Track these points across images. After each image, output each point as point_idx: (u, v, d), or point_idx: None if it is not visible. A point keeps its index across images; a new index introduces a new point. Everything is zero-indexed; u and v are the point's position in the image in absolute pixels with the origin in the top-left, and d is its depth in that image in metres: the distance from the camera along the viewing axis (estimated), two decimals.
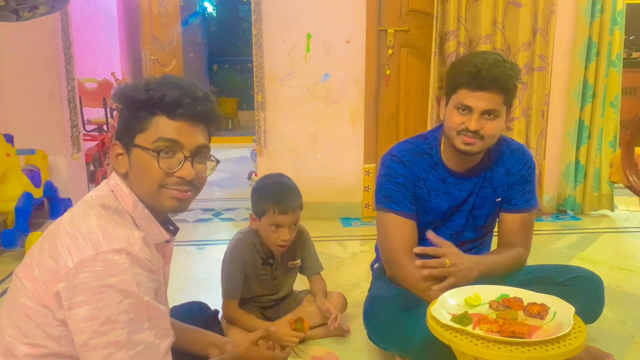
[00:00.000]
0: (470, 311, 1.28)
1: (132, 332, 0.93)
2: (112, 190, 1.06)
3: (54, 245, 0.96)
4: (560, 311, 1.26)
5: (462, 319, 1.23)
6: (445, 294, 1.36)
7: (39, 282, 0.96)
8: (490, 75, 1.48)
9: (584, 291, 1.60)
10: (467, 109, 1.52)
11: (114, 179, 1.08)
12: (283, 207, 1.75)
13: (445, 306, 1.31)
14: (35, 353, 0.97)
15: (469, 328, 1.20)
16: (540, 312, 1.26)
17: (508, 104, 1.54)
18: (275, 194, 1.78)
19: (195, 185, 1.08)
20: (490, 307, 1.32)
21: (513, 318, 1.24)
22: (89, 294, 0.91)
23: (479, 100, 1.50)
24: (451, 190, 1.68)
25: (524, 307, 1.30)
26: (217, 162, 1.12)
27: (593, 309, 1.63)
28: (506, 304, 1.31)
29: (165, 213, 1.13)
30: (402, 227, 1.65)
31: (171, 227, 1.18)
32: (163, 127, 1.03)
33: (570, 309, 1.25)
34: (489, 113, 1.51)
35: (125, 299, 0.92)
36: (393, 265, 1.67)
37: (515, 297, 1.34)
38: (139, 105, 1.04)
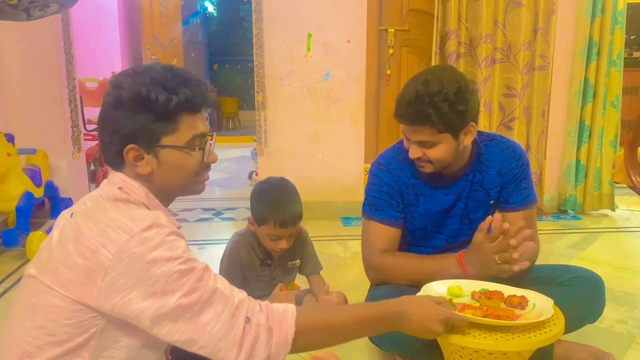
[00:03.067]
0: (454, 300, 1.31)
1: (189, 293, 0.94)
2: (119, 188, 1.06)
3: (81, 245, 0.95)
4: (539, 303, 1.29)
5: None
6: (433, 283, 1.38)
7: (72, 282, 0.95)
8: (406, 112, 1.45)
9: (584, 291, 1.60)
10: (407, 139, 1.54)
11: (117, 177, 1.08)
12: (284, 221, 1.72)
13: (431, 293, 1.34)
14: (60, 351, 0.97)
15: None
16: (521, 302, 1.29)
17: (449, 130, 1.47)
18: (276, 207, 1.73)
19: None
20: (473, 297, 1.34)
21: (496, 306, 1.28)
22: (137, 277, 0.92)
23: (409, 132, 1.50)
24: (437, 194, 1.66)
25: (504, 298, 1.32)
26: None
27: (594, 309, 1.63)
28: (488, 295, 1.34)
29: (172, 199, 1.16)
30: (382, 234, 1.65)
31: None
32: (192, 125, 1.07)
33: (549, 301, 1.29)
34: (423, 143, 1.50)
35: (173, 267, 0.93)
36: (370, 269, 1.68)
37: (496, 290, 1.35)
38: (161, 110, 1.03)
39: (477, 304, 1.30)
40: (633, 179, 1.99)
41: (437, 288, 1.37)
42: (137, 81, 1.03)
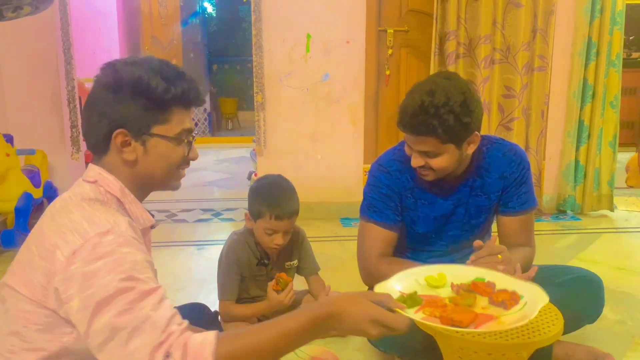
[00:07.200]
0: (428, 292, 1.14)
1: (120, 315, 0.88)
2: (93, 182, 1.05)
3: (43, 246, 0.95)
4: (532, 301, 1.08)
5: (409, 299, 1.08)
6: (405, 273, 1.20)
7: (35, 285, 0.94)
8: (411, 123, 1.43)
9: (583, 292, 1.60)
10: (409, 147, 1.52)
11: (94, 170, 1.07)
12: (279, 214, 1.74)
13: (402, 282, 1.16)
14: (36, 358, 0.96)
15: (412, 310, 1.05)
16: (506, 300, 1.09)
17: (453, 140, 1.45)
18: (272, 199, 1.76)
19: None
20: (452, 289, 1.17)
21: (467, 304, 1.08)
22: (79, 283, 0.89)
23: (412, 142, 1.49)
24: (436, 199, 1.64)
25: (491, 293, 1.13)
26: None
27: (593, 310, 1.63)
28: (472, 288, 1.15)
29: (148, 193, 1.15)
30: (379, 236, 1.64)
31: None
32: (183, 118, 1.09)
33: (544, 299, 1.07)
34: (426, 153, 1.48)
35: (112, 282, 0.88)
36: (366, 273, 1.67)
37: (489, 281, 1.17)
38: (158, 99, 1.05)
39: (447, 300, 1.11)
40: None
41: (395, 286, 1.15)
42: (138, 68, 1.04)
